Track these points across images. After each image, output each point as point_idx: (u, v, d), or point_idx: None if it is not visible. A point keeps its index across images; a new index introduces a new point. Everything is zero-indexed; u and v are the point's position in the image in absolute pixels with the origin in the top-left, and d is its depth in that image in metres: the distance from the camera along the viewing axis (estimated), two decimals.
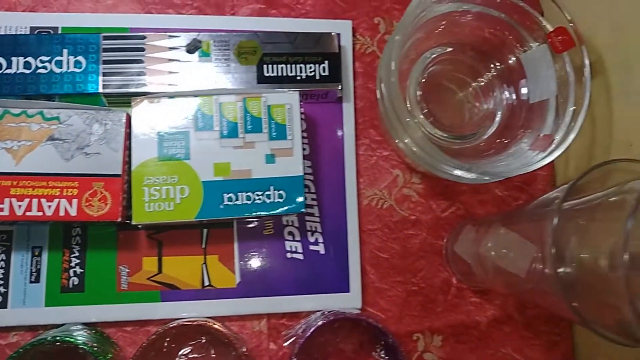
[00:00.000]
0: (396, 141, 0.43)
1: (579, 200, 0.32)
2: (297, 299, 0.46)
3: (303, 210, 0.43)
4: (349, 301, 0.47)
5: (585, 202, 0.32)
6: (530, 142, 0.43)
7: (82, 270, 0.44)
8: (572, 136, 0.39)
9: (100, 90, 0.43)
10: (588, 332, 0.48)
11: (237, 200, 0.42)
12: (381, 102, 0.43)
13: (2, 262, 0.43)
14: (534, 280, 0.36)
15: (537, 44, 0.44)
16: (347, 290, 0.47)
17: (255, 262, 0.46)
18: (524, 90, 0.46)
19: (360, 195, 0.50)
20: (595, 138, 0.46)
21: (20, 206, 0.40)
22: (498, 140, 0.47)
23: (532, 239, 0.36)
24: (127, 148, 0.42)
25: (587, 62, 0.40)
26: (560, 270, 0.32)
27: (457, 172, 0.40)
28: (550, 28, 0.43)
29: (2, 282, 0.43)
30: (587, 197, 0.32)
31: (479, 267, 0.45)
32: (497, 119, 0.48)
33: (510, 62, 0.47)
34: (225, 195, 0.42)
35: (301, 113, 0.45)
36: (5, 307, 0.43)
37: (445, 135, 0.48)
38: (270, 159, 0.43)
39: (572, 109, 0.41)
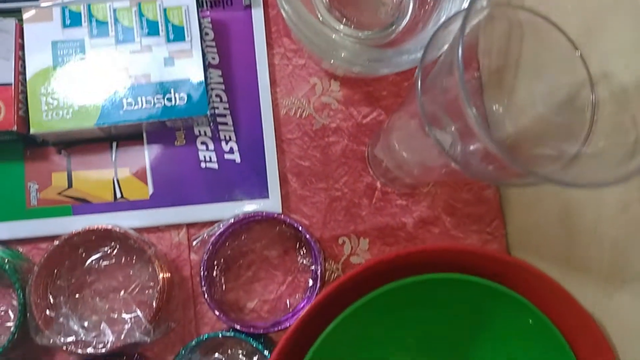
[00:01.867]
0: (325, 61, 0.42)
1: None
2: (215, 206, 0.45)
3: (207, 113, 0.42)
4: (269, 207, 0.46)
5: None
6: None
7: None
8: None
9: None
10: (520, 229, 0.47)
11: (137, 104, 0.42)
12: (292, 24, 0.40)
13: None
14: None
15: None
16: (267, 196, 0.46)
17: (168, 174, 0.45)
18: None
19: (277, 104, 0.49)
20: None
21: None
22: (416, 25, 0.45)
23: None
24: (21, 58, 0.41)
25: None
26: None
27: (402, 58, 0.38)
28: None
29: None
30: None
31: (396, 165, 0.44)
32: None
33: None
34: (125, 101, 0.41)
35: (206, 24, 0.44)
36: None
37: (368, 33, 0.46)
38: (170, 61, 0.42)
39: None
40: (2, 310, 0.42)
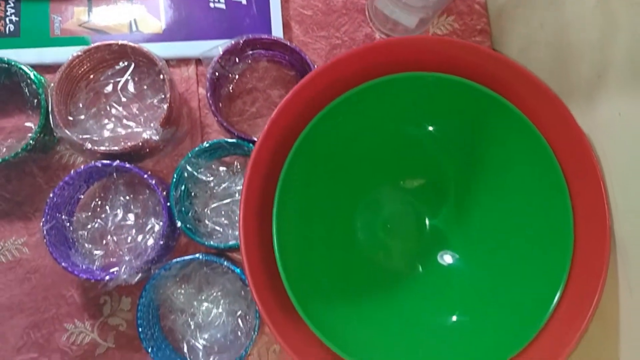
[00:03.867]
0: None
1: None
2: (222, 42, 0.48)
3: None
4: None
5: None
6: None
7: (17, 19, 0.48)
8: None
9: None
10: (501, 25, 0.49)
11: None
12: None
13: None
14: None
15: None
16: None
17: (180, 11, 0.49)
18: None
19: None
20: None
21: None
22: None
23: None
24: None
25: None
26: None
27: None
28: None
29: None
30: None
31: (396, 5, 0.46)
32: None
33: None
34: None
35: None
36: None
37: None
38: None
39: None
40: (24, 125, 0.46)
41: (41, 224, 0.41)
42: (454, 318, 0.39)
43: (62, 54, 0.47)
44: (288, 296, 0.35)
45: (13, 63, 0.43)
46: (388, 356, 0.38)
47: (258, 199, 0.36)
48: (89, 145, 0.42)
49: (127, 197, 0.44)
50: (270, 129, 0.36)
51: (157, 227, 0.43)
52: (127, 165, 0.42)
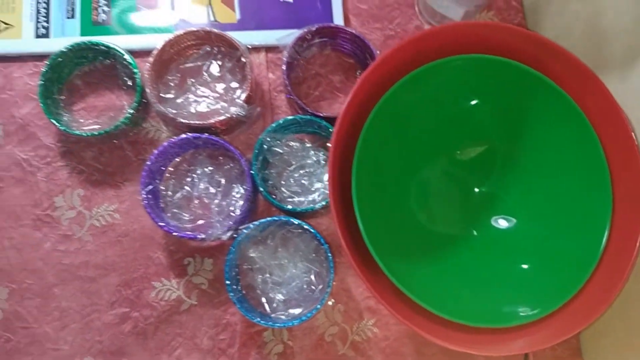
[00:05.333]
0: None
1: None
2: (290, 32, 0.54)
3: None
4: None
5: None
6: None
7: (108, 9, 0.53)
8: None
9: None
10: (537, 17, 0.55)
11: None
12: None
13: (44, 3, 0.53)
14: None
15: None
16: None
17: (252, 3, 0.55)
18: None
19: None
20: None
21: None
22: None
23: None
24: None
25: None
26: None
27: None
28: None
29: (44, 18, 0.52)
30: None
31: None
32: None
33: None
34: None
35: None
36: (48, 37, 0.52)
37: None
38: None
39: None
40: (121, 104, 0.52)
41: (140, 187, 0.46)
42: (518, 269, 0.45)
43: (149, 41, 0.53)
44: (369, 254, 0.40)
45: (112, 46, 0.49)
46: (456, 303, 0.43)
47: (341, 159, 0.42)
48: (181, 120, 0.47)
49: (211, 167, 0.50)
50: (355, 96, 0.41)
51: (242, 192, 0.48)
52: (215, 138, 0.48)
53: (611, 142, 0.43)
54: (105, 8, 0.53)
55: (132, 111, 0.48)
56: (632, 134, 0.41)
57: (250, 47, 0.54)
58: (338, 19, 0.56)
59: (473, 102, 0.47)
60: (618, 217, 0.42)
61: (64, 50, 0.48)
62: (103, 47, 0.49)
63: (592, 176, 0.43)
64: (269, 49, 0.55)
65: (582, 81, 0.43)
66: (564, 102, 0.43)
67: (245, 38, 0.54)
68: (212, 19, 0.54)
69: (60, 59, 0.49)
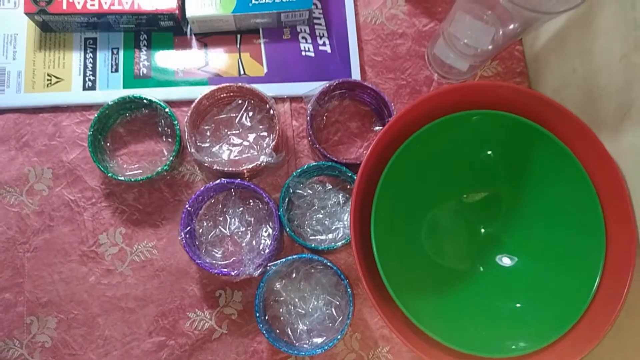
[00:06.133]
0: None
1: None
2: (311, 84, 0.60)
3: (311, 6, 0.57)
4: None
5: None
6: None
7: (149, 64, 0.59)
8: None
9: None
10: (537, 68, 0.61)
11: (262, 0, 0.57)
12: None
13: (91, 59, 0.59)
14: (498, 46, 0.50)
15: None
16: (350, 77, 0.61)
17: (277, 59, 0.60)
18: None
19: (358, 14, 0.64)
20: None
21: (106, 2, 0.55)
22: None
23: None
24: None
25: None
26: None
27: None
28: None
29: (91, 72, 0.58)
30: None
31: (453, 53, 0.58)
32: None
33: None
34: None
35: None
36: (95, 89, 0.58)
37: None
38: None
39: None
40: (160, 150, 0.57)
41: (179, 228, 0.51)
42: (517, 305, 0.49)
43: (185, 93, 0.58)
44: (384, 287, 0.45)
45: (154, 100, 0.55)
46: (462, 334, 0.48)
47: (360, 205, 0.47)
48: (216, 167, 0.53)
49: (241, 208, 0.55)
50: (375, 147, 0.47)
51: (270, 231, 0.54)
52: (246, 182, 0.53)
53: (606, 192, 0.47)
54: (146, 63, 0.59)
55: (172, 158, 0.54)
56: (624, 185, 0.46)
57: (276, 97, 0.59)
58: (355, 71, 0.61)
59: (483, 150, 0.52)
60: (610, 261, 0.46)
61: (110, 103, 0.54)
62: (145, 101, 0.54)
63: (588, 222, 0.48)
64: (293, 98, 0.61)
65: (581, 136, 0.48)
66: (564, 155, 0.48)
67: (272, 90, 0.59)
68: (242, 72, 0.59)
69: (107, 112, 0.54)
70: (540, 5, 0.47)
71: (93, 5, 0.55)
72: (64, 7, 0.55)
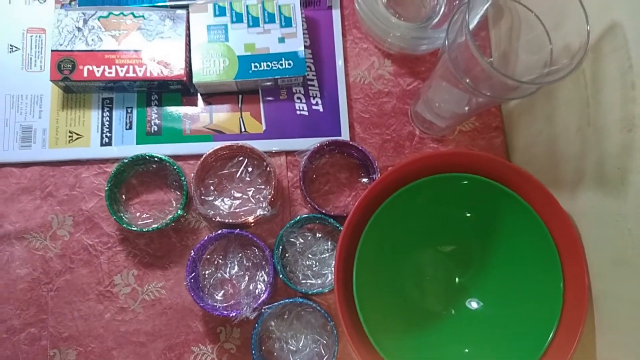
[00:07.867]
0: (383, 38, 0.64)
1: None
2: (305, 140, 0.67)
3: (304, 73, 0.64)
4: None
5: None
6: None
7: (159, 122, 0.66)
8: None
9: (168, 3, 0.65)
10: (511, 124, 0.67)
11: (260, 67, 0.64)
12: (362, 14, 0.62)
13: (107, 117, 0.66)
14: (472, 110, 0.57)
15: None
16: (340, 136, 0.67)
17: (275, 117, 0.67)
18: None
19: (348, 74, 0.70)
20: None
21: (122, 70, 0.62)
22: (446, 18, 0.66)
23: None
24: (187, 35, 0.64)
25: None
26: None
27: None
28: None
29: (108, 129, 0.65)
30: None
31: (431, 113, 0.64)
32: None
33: None
34: (253, 64, 0.64)
35: (303, 18, 0.66)
36: (111, 145, 0.65)
37: (413, 24, 0.68)
38: (282, 40, 0.64)
39: None
40: (168, 199, 0.64)
41: (185, 274, 0.58)
42: (466, 350, 0.56)
43: (192, 149, 0.65)
44: (363, 329, 0.52)
45: (164, 159, 0.61)
46: None
47: (345, 254, 0.54)
48: (218, 219, 0.60)
49: (240, 254, 0.62)
50: (357, 207, 0.53)
51: (265, 277, 0.60)
52: (245, 232, 0.60)
53: (564, 249, 0.54)
54: (157, 121, 0.66)
55: (180, 209, 0.61)
56: (579, 240, 0.52)
57: (273, 151, 0.66)
58: (344, 127, 0.68)
59: (458, 209, 0.59)
60: (567, 306, 0.53)
61: (125, 161, 0.61)
62: (156, 159, 0.61)
63: (547, 270, 0.55)
64: (288, 152, 0.67)
65: (542, 198, 0.54)
66: (528, 213, 0.55)
67: (269, 145, 0.66)
68: (243, 129, 0.66)
69: (122, 168, 0.61)
70: (502, 90, 0.53)
71: (110, 73, 0.62)
72: (85, 74, 0.62)
